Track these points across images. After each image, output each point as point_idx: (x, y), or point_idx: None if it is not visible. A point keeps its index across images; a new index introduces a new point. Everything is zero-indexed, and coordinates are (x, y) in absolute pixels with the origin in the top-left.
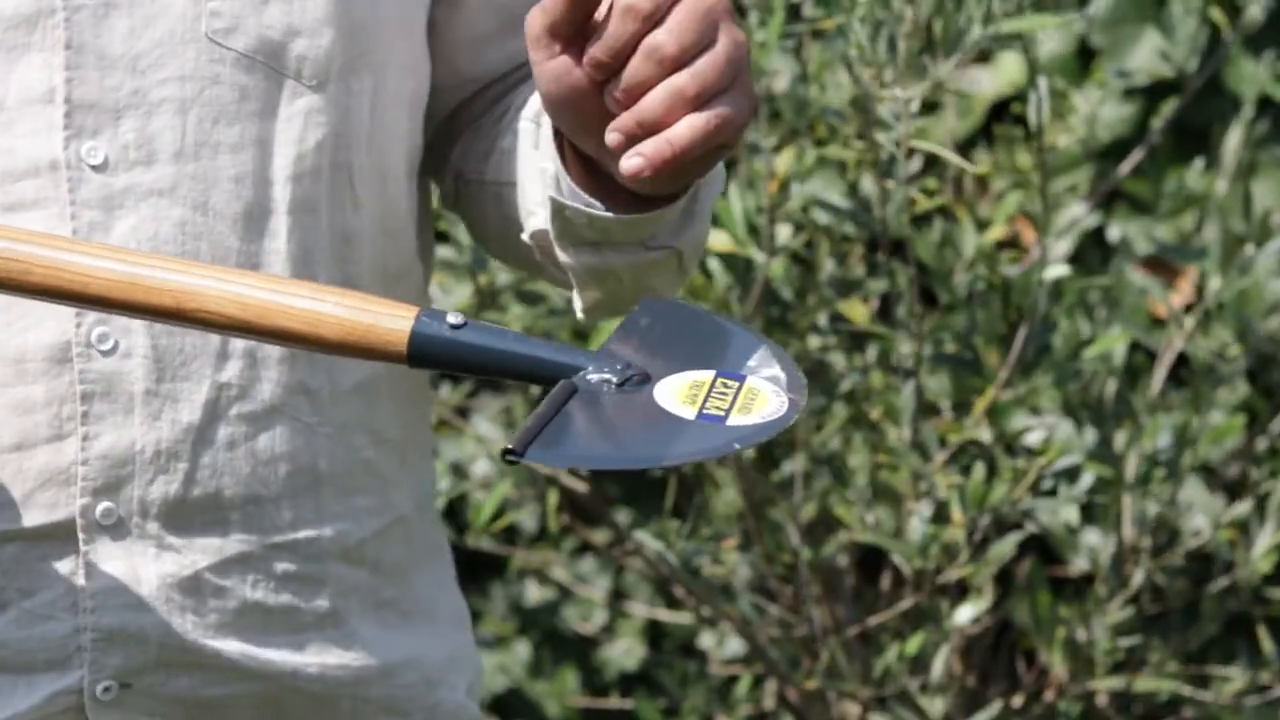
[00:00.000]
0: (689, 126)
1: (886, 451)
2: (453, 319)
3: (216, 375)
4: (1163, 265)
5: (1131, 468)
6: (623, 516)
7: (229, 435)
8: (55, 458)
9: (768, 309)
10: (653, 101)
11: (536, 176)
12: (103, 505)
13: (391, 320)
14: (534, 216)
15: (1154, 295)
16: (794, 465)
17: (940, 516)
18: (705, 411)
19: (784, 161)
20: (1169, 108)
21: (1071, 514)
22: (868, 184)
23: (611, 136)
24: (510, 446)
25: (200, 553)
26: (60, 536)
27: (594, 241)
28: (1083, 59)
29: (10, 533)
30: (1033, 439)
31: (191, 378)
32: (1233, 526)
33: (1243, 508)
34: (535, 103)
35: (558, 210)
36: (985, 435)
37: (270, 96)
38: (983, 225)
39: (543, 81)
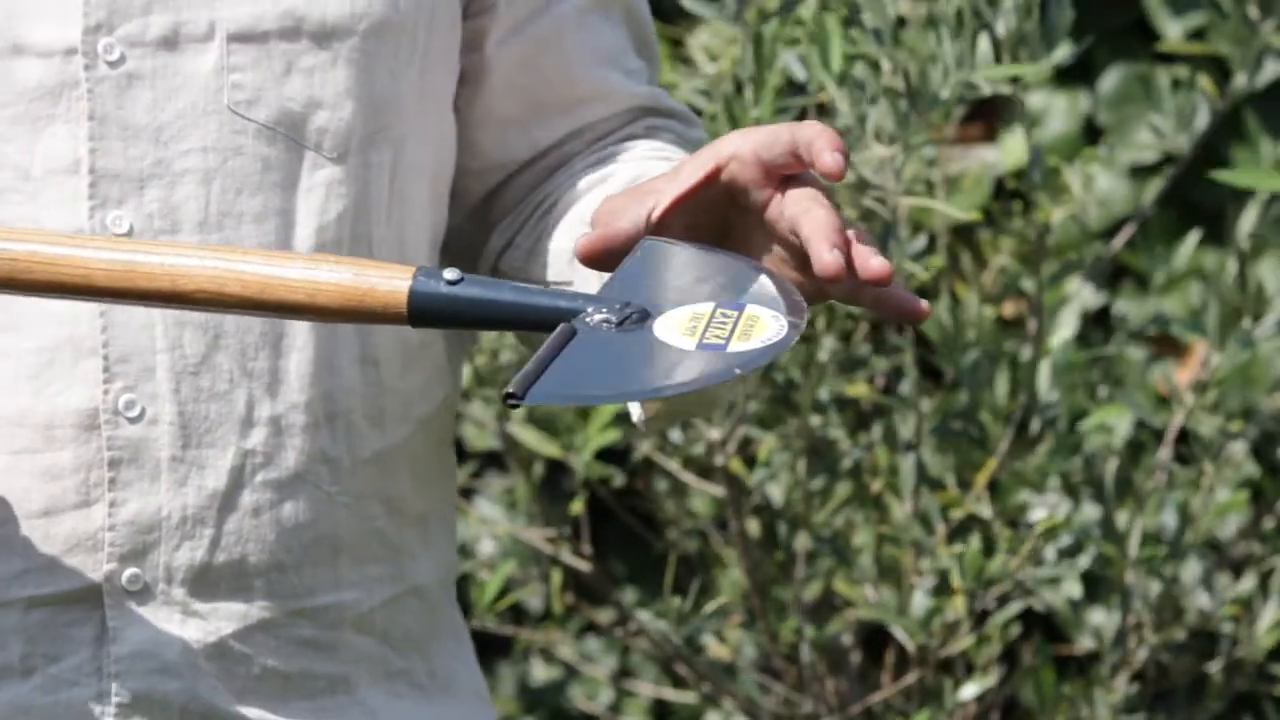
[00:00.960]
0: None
1: (889, 525)
2: (449, 274)
3: (242, 442)
4: (1169, 343)
5: (1135, 544)
6: (627, 595)
7: (254, 502)
8: (83, 523)
9: (770, 386)
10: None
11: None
12: (129, 571)
13: (389, 281)
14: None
15: (1158, 371)
16: (798, 543)
17: (943, 589)
18: (705, 341)
19: None
20: (1161, 184)
21: (1075, 589)
22: None
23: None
24: (511, 390)
25: (224, 619)
26: (87, 602)
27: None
28: (1089, 138)
29: (37, 598)
30: (1036, 518)
31: (217, 444)
32: (1237, 604)
33: (1247, 585)
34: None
35: None
36: (986, 510)
37: (292, 168)
38: (985, 301)
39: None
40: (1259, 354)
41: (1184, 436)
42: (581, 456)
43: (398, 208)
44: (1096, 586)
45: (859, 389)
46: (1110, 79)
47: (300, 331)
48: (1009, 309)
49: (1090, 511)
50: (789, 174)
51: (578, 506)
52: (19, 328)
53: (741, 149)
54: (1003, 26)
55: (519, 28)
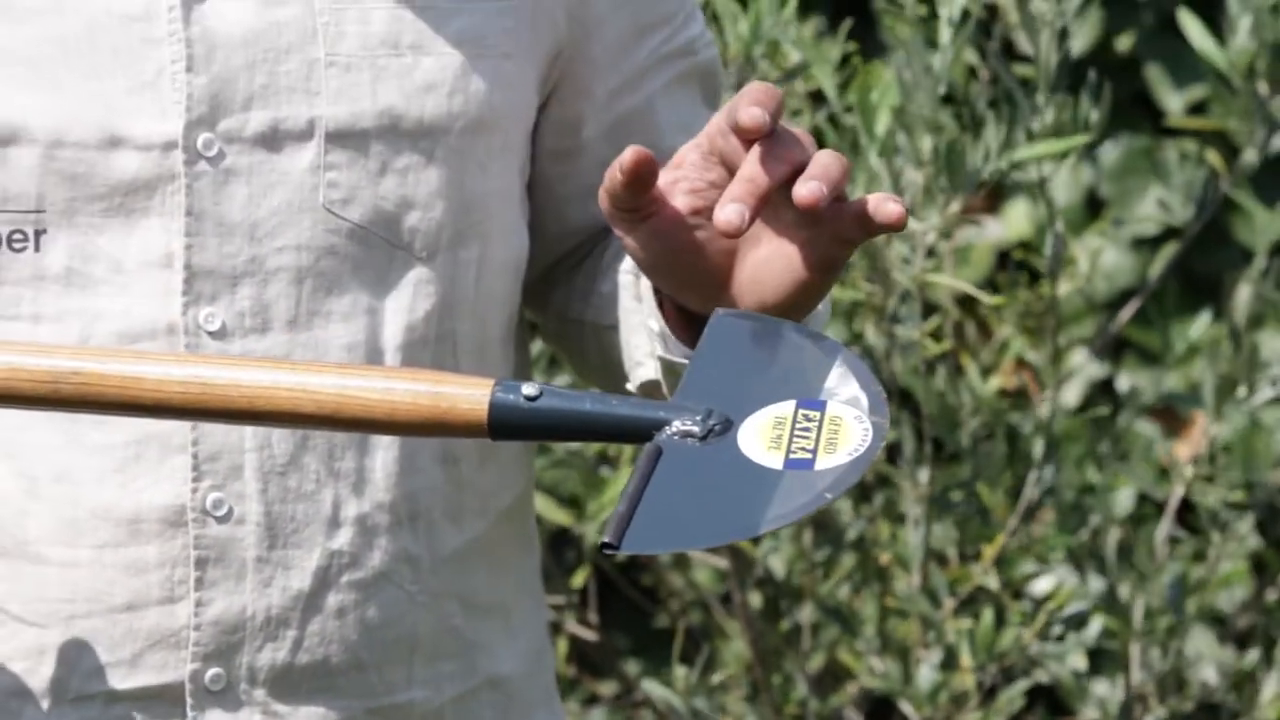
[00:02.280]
0: (759, 162)
1: (895, 598)
2: (528, 389)
3: (328, 543)
4: (1172, 416)
5: (1138, 616)
6: (631, 666)
7: (339, 603)
8: (167, 620)
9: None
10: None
11: (641, 330)
12: (212, 671)
13: (469, 397)
14: (641, 368)
15: (1160, 444)
16: (802, 615)
17: (949, 663)
18: (792, 456)
19: None
20: (1167, 255)
21: (1079, 661)
22: (870, 333)
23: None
24: (607, 539)
25: (304, 718)
26: (168, 699)
27: None
28: (1091, 209)
29: (118, 693)
30: (1040, 587)
31: (303, 545)
32: (1240, 675)
33: (1250, 657)
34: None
35: (668, 367)
36: (993, 583)
37: (382, 266)
38: (987, 373)
39: (631, 253)
40: (1261, 426)
41: (1187, 508)
42: (591, 525)
43: (481, 302)
44: (1100, 659)
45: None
46: (1112, 151)
47: None
48: (1011, 379)
49: (1094, 583)
50: None
51: (582, 577)
52: (107, 421)
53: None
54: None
55: (611, 106)
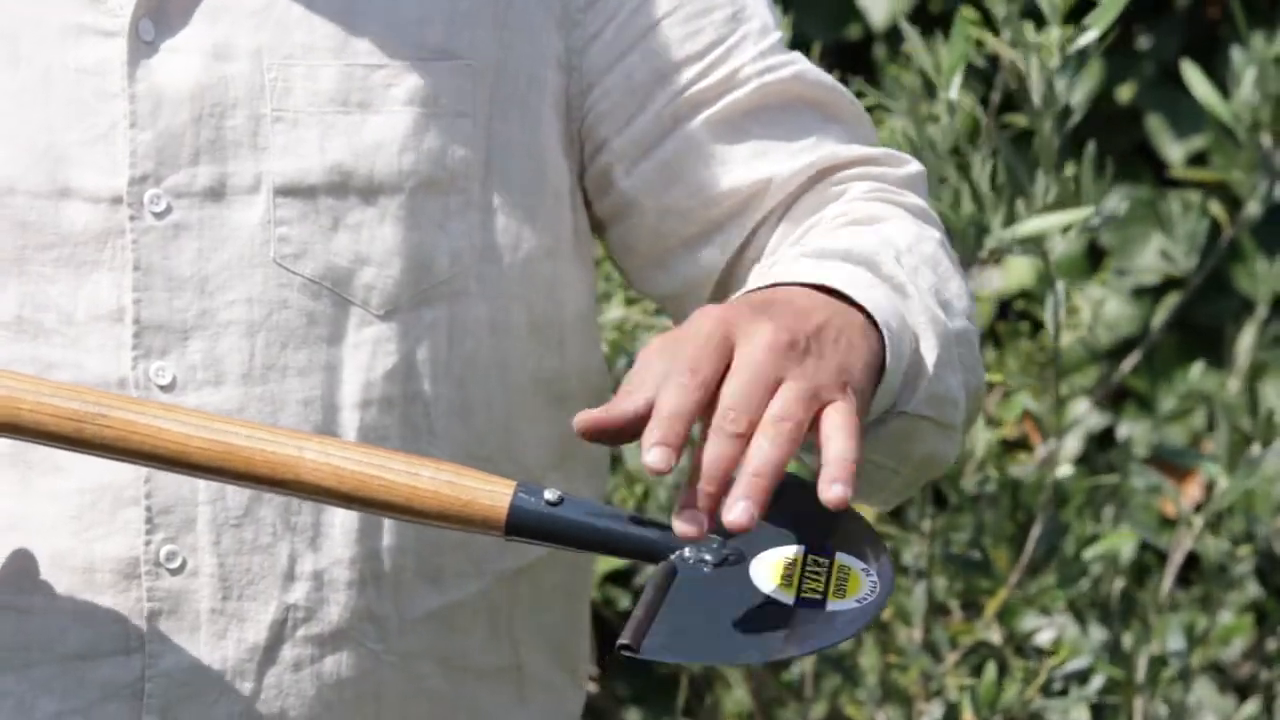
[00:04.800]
0: (760, 447)
1: (897, 651)
2: (549, 495)
3: (284, 596)
4: (1171, 465)
5: (1141, 668)
6: (633, 715)
7: (295, 657)
8: (120, 672)
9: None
10: (711, 459)
11: None
12: None
13: (489, 495)
14: None
15: (1164, 495)
16: (803, 665)
17: (951, 718)
18: (803, 595)
19: None
20: (1169, 306)
21: (1082, 715)
22: None
23: (689, 528)
24: (625, 641)
25: None
26: None
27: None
28: (1092, 259)
29: None
30: (1043, 639)
31: (259, 598)
32: None
33: (1252, 708)
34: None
35: None
36: (995, 636)
37: (338, 323)
38: (990, 424)
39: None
40: (1263, 476)
41: (1187, 559)
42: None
43: (459, 365)
44: (1102, 712)
45: (868, 510)
46: (1112, 200)
47: None
48: (1012, 429)
49: (1096, 633)
50: None
51: None
52: (63, 469)
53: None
54: (1041, 190)
55: (647, 154)
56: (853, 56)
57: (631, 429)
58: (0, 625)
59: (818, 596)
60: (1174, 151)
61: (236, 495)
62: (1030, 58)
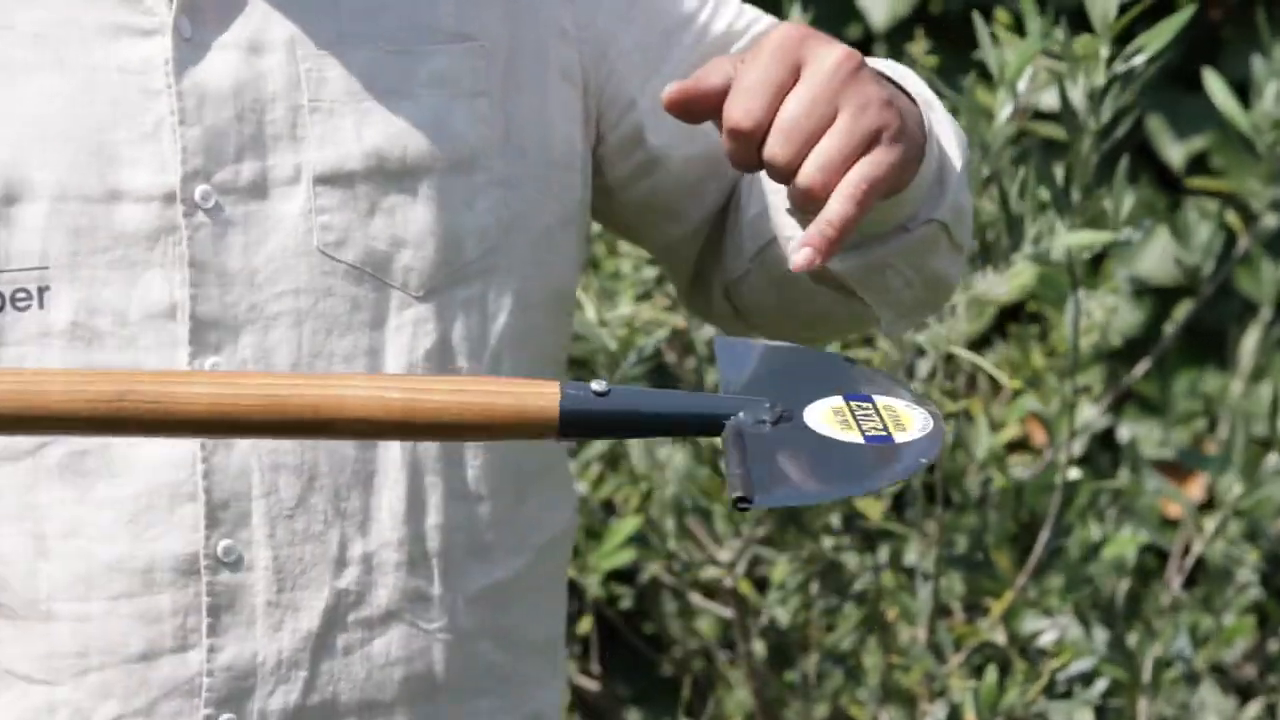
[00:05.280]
0: (839, 200)
1: (900, 652)
2: (596, 386)
3: (335, 582)
4: (1172, 467)
5: (1146, 669)
6: (634, 716)
7: (346, 642)
8: (180, 669)
9: (780, 509)
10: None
11: (788, 216)
12: (224, 716)
13: (538, 397)
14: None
15: (1168, 496)
16: (806, 664)
17: (954, 716)
18: (869, 434)
19: None
20: (1183, 311)
21: (1086, 717)
22: None
23: (801, 255)
24: (741, 494)
25: None
26: None
27: (858, 244)
28: (1093, 261)
29: None
30: (1046, 640)
31: (310, 586)
32: None
33: (1255, 709)
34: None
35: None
36: (1000, 637)
37: (380, 307)
38: (995, 426)
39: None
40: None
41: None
42: (594, 578)
43: (492, 340)
44: (1105, 713)
45: (873, 509)
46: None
47: (392, 469)
48: (1015, 430)
49: (1100, 635)
50: None
51: (586, 625)
52: (117, 474)
53: None
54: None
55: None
56: None
57: (714, 101)
58: (56, 635)
59: (883, 433)
60: (1175, 153)
61: (289, 487)
62: (1077, 73)
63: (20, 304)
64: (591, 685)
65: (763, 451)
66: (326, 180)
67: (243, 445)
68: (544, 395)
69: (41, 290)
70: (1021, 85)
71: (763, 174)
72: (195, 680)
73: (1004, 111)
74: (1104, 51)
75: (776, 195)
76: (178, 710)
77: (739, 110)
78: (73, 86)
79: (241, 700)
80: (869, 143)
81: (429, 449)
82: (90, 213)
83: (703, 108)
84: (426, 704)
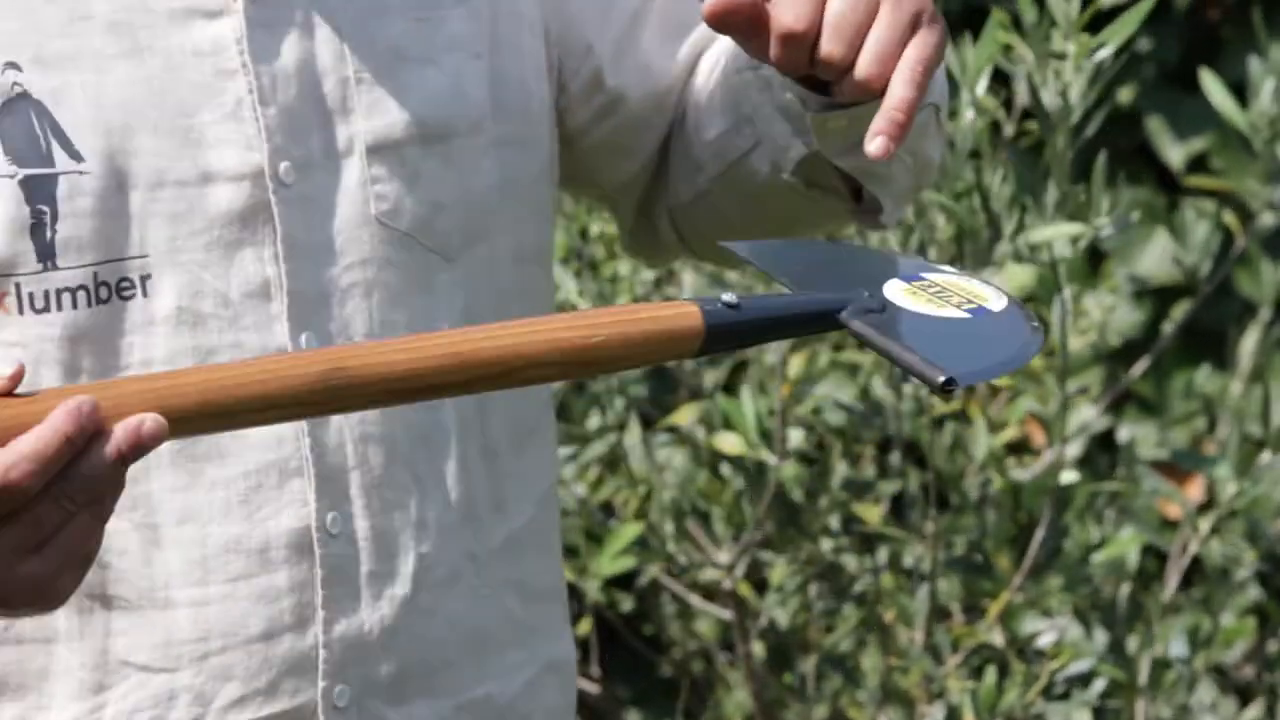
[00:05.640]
0: (901, 86)
1: (898, 653)
2: (727, 298)
3: (418, 548)
4: (1171, 468)
5: (1144, 671)
6: (633, 717)
7: (428, 604)
8: (298, 644)
9: (779, 511)
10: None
11: (777, 117)
12: (338, 688)
13: (681, 318)
14: (789, 151)
15: (1167, 497)
16: (805, 666)
17: (953, 717)
18: (964, 307)
19: (796, 365)
20: (1181, 311)
21: (1084, 718)
22: (879, 387)
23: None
24: (944, 379)
25: None
26: None
27: (859, 139)
28: (1092, 261)
29: None
30: (1044, 642)
31: (400, 553)
32: None
33: (1254, 711)
34: (738, 52)
35: (819, 125)
36: (998, 639)
37: (425, 273)
38: (994, 427)
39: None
40: (1270, 480)
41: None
42: (594, 582)
43: (500, 298)
44: (1103, 715)
45: (870, 512)
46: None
47: (446, 432)
48: (1013, 431)
49: (1099, 636)
50: None
51: (585, 627)
52: (224, 455)
53: None
54: (1053, 195)
55: (624, 51)
56: None
57: (751, 10)
58: (175, 623)
59: (973, 305)
60: (1174, 154)
61: (376, 456)
62: (1046, 69)
63: (125, 293)
64: (591, 687)
65: (904, 335)
66: (376, 150)
67: (336, 418)
68: (688, 315)
69: (144, 279)
70: (980, 87)
71: (719, 92)
72: (311, 654)
73: (967, 113)
74: (1071, 47)
75: (766, 106)
76: (297, 686)
77: (789, 15)
78: (153, 72)
79: (351, 670)
80: (913, 27)
81: (468, 403)
82: (186, 197)
83: (741, 17)
84: (476, 657)
